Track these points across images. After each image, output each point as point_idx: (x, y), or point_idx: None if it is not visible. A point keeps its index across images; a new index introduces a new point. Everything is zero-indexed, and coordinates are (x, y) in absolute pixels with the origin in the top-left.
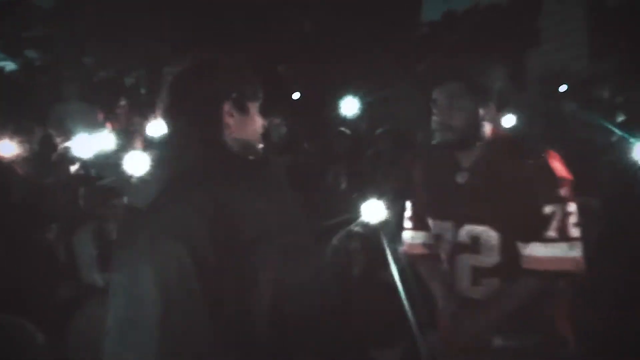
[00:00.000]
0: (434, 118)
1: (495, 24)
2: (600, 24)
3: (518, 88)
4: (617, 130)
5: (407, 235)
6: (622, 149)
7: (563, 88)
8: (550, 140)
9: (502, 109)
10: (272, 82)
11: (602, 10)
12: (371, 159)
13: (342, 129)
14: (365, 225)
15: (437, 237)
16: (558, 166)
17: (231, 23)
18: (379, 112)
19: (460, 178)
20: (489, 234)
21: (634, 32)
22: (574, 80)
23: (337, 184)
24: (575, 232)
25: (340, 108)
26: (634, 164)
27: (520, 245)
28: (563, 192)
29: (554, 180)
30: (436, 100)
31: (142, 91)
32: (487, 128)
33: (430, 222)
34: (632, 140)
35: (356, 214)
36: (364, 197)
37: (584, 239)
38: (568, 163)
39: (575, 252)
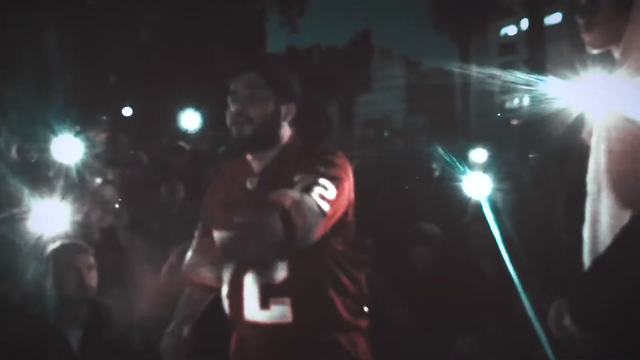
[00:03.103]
0: (231, 110)
1: (332, 65)
2: (415, 84)
3: (346, 129)
4: (449, 162)
5: (190, 260)
6: (453, 178)
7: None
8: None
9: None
10: (103, 94)
11: (419, 73)
12: (211, 176)
13: (181, 143)
14: None
15: (223, 251)
16: (339, 158)
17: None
18: (221, 132)
19: (250, 184)
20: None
21: (442, 93)
22: (393, 130)
23: (173, 199)
24: (313, 196)
25: (179, 123)
26: (465, 195)
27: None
28: (324, 170)
29: (323, 160)
30: (235, 92)
31: None
32: (286, 132)
33: (217, 234)
34: (462, 172)
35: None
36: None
37: (418, 260)
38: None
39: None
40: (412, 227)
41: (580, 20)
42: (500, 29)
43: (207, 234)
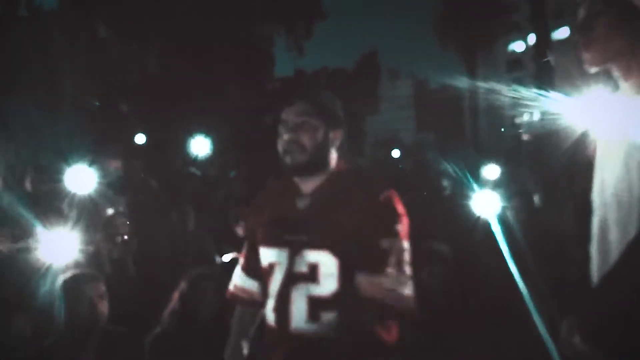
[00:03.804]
0: (284, 138)
1: (340, 86)
2: (424, 103)
3: (356, 149)
4: (459, 180)
5: (238, 277)
6: (464, 197)
7: (396, 153)
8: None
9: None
10: (114, 123)
11: (427, 91)
12: (223, 201)
13: (192, 169)
14: (218, 267)
15: (270, 267)
16: (399, 204)
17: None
18: (231, 157)
19: (301, 204)
20: (328, 260)
21: (451, 111)
22: (404, 147)
23: (184, 224)
24: (408, 269)
25: (190, 149)
26: (475, 213)
27: (357, 274)
28: (401, 228)
29: (395, 216)
30: (286, 121)
31: None
32: (334, 156)
33: (264, 251)
34: (472, 190)
35: (210, 254)
36: (215, 238)
37: (430, 280)
38: (416, 209)
39: (407, 289)
40: (422, 245)
41: (578, 38)
42: (507, 45)
43: (252, 251)
